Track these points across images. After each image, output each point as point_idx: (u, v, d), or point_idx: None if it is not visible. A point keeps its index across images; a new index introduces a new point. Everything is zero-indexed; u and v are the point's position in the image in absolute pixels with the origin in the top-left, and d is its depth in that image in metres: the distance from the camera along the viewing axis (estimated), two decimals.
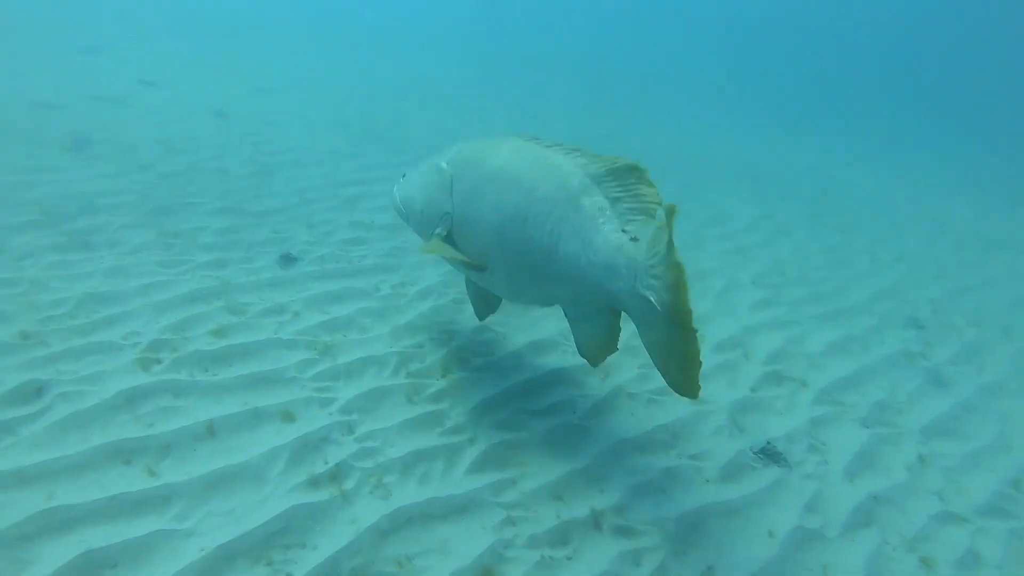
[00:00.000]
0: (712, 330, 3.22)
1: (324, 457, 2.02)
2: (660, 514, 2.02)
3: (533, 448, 2.23)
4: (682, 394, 1.81)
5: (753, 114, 12.08)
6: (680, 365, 1.76)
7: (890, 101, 15.74)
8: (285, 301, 2.82)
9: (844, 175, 8.06)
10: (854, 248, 5.06)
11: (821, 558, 1.98)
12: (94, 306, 2.59)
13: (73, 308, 2.55)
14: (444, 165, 2.31)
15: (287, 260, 3.16)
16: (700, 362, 1.73)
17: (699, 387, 1.75)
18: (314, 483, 1.92)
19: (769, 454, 2.33)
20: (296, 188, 4.29)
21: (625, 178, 1.98)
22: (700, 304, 3.48)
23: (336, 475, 1.96)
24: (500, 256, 2.14)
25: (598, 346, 2.09)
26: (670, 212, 1.67)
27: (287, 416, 2.16)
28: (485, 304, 2.57)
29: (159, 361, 2.31)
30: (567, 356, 2.79)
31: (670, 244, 1.67)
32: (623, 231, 1.90)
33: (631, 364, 2.80)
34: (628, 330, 2.06)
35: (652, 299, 1.74)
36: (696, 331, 1.71)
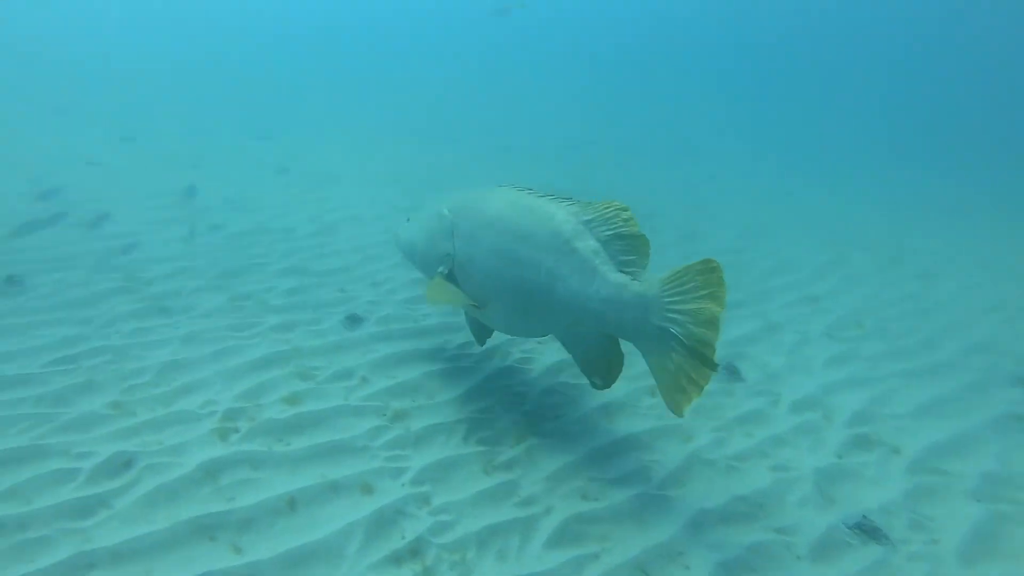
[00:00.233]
0: (787, 388, 3.09)
1: (401, 532, 1.99)
2: None
3: (611, 520, 2.15)
4: (673, 412, 2.04)
5: (807, 156, 11.87)
6: (684, 389, 1.99)
7: (969, 140, 15.23)
8: (352, 365, 2.84)
9: (917, 217, 7.74)
10: (938, 296, 4.70)
11: None
12: (173, 374, 2.66)
13: (154, 376, 2.63)
14: (446, 212, 2.60)
15: (353, 321, 3.20)
16: (703, 389, 1.97)
17: (688, 408, 2.01)
18: (396, 560, 1.89)
19: (866, 530, 2.18)
20: (358, 245, 4.37)
21: (612, 222, 2.22)
22: (772, 360, 3.36)
23: (416, 551, 1.93)
24: (497, 294, 2.41)
25: (601, 369, 2.36)
26: (712, 266, 1.94)
27: (363, 488, 2.15)
28: (482, 332, 2.85)
29: (236, 430, 2.35)
30: (637, 419, 2.72)
31: (717, 286, 1.92)
32: (622, 271, 2.16)
33: (704, 427, 2.70)
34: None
35: (674, 330, 1.98)
36: (716, 365, 1.95)
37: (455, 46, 22.46)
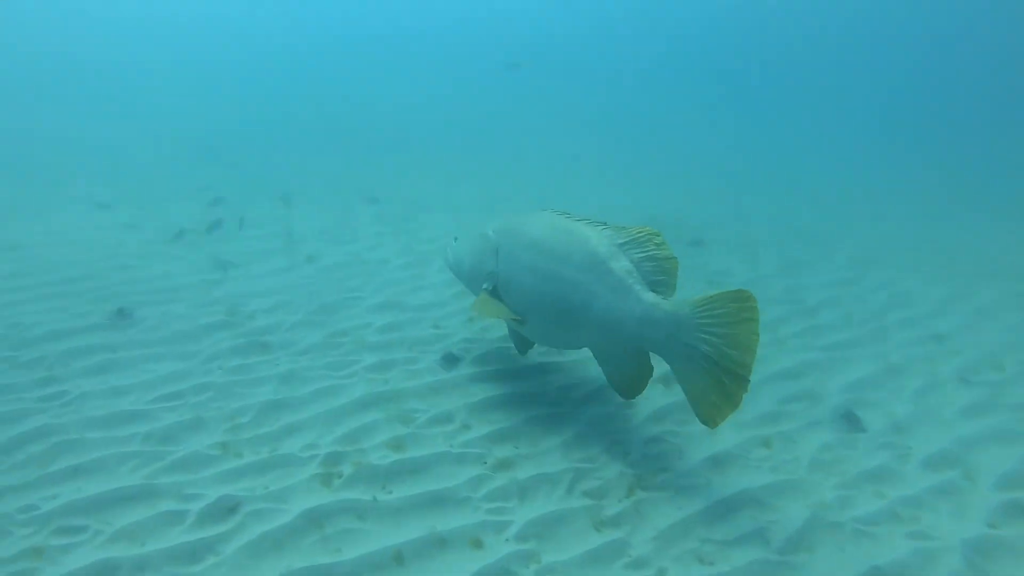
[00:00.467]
0: (917, 441, 2.81)
1: None
2: None
3: None
4: (704, 423, 2.23)
5: (909, 176, 11.18)
6: (716, 403, 2.18)
7: None
8: (451, 408, 2.78)
9: None
10: None
11: None
12: (274, 414, 2.67)
13: (256, 416, 2.65)
14: (491, 233, 2.83)
15: (449, 361, 3.15)
16: (738, 404, 2.15)
17: (723, 420, 2.19)
18: None
19: None
20: (450, 278, 4.35)
21: (645, 245, 2.41)
22: (896, 407, 3.07)
23: None
24: (537, 310, 2.61)
25: (630, 380, 2.55)
26: (745, 295, 2.10)
27: (471, 543, 2.06)
28: (523, 343, 3.05)
29: (339, 475, 2.32)
30: (750, 472, 2.52)
31: (751, 313, 2.09)
32: (654, 292, 2.34)
33: (825, 484, 2.48)
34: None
35: (704, 349, 2.16)
36: (748, 382, 2.13)
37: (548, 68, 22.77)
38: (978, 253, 6.11)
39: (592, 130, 12.72)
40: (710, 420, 2.20)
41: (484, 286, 2.80)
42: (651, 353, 2.44)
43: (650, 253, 2.39)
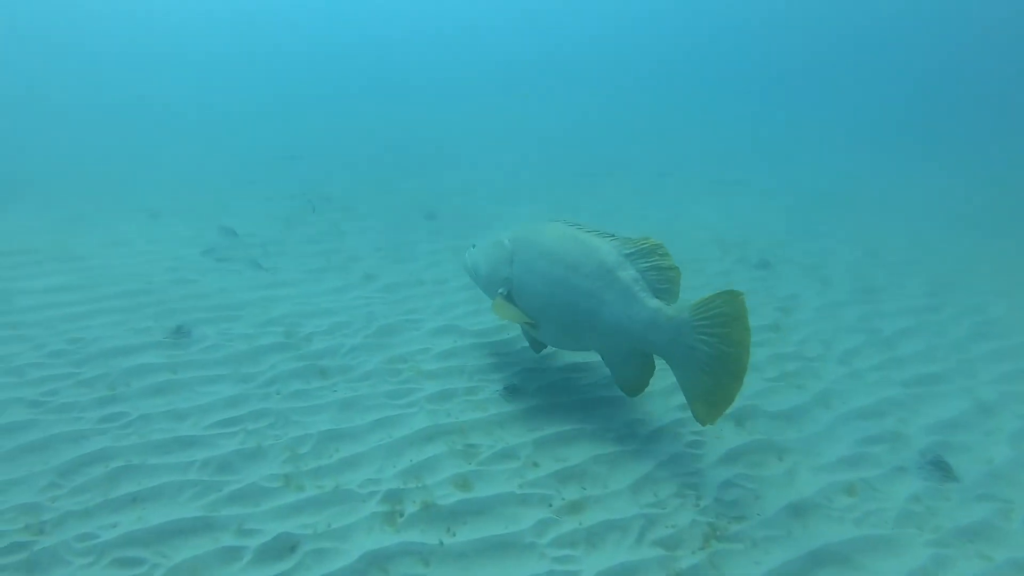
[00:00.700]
0: (1020, 493, 2.58)
1: None
2: None
3: None
4: (700, 422, 2.38)
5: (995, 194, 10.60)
6: (715, 402, 2.32)
7: None
8: (516, 444, 2.67)
9: None
10: None
11: None
12: (333, 444, 2.62)
13: (315, 446, 2.59)
14: (506, 242, 3.03)
15: (511, 392, 3.05)
16: (732, 402, 2.30)
17: (719, 418, 2.35)
18: None
19: None
20: None
21: (650, 256, 2.56)
22: (992, 452, 2.84)
23: None
24: (549, 314, 2.79)
25: (635, 380, 2.71)
26: (736, 296, 2.25)
27: None
28: (538, 344, 3.20)
29: (401, 514, 2.24)
30: (833, 524, 2.35)
31: (740, 311, 2.23)
32: (658, 299, 2.51)
33: (917, 540, 2.29)
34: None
35: (704, 349, 2.31)
36: (742, 380, 2.26)
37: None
38: None
39: (680, 146, 12.48)
40: (708, 419, 2.34)
41: (500, 291, 2.99)
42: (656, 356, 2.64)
43: (655, 263, 2.55)
